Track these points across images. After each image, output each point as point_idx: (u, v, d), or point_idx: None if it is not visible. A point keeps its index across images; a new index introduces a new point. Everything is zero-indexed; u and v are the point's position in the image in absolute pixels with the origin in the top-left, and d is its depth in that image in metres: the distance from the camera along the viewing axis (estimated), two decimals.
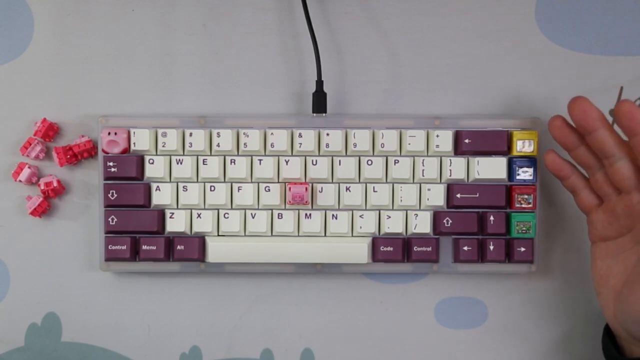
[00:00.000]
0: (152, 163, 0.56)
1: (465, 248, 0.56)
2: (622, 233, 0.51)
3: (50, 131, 0.58)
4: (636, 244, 0.50)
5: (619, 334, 0.51)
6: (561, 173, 0.53)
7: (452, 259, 0.57)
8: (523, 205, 0.56)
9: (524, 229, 0.56)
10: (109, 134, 0.56)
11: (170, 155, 0.56)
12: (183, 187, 0.56)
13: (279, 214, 0.56)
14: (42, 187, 0.57)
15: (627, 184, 0.49)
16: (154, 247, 0.56)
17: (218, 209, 0.56)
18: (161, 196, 0.56)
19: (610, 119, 0.59)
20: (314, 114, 0.57)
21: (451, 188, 0.56)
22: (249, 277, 0.59)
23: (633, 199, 0.49)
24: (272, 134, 0.56)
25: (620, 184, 0.49)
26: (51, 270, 0.59)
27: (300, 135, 0.56)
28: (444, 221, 0.56)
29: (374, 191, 0.56)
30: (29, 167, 0.58)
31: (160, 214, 0.56)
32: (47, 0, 0.59)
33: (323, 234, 0.56)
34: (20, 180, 0.58)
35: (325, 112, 0.57)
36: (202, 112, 0.59)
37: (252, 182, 0.56)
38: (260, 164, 0.56)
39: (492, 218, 0.56)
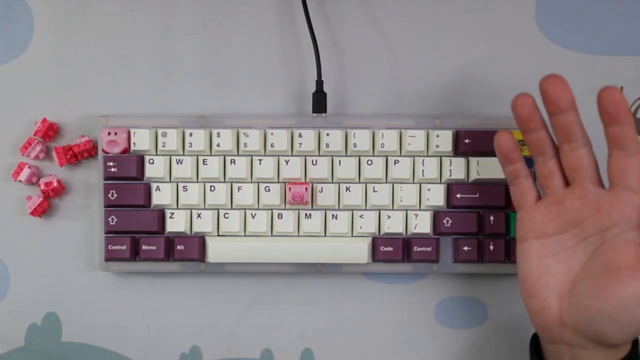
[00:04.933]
0: (152, 163, 0.56)
1: (465, 248, 0.56)
2: (563, 229, 0.47)
3: (50, 131, 0.58)
4: (581, 241, 0.47)
5: (560, 338, 0.47)
6: (512, 155, 0.49)
7: (452, 259, 0.57)
8: None
9: None
10: (109, 134, 0.56)
11: (170, 155, 0.56)
12: (183, 187, 0.56)
13: (279, 214, 0.56)
14: (42, 187, 0.57)
15: (583, 174, 0.46)
16: (154, 247, 0.56)
17: (218, 209, 0.56)
18: (161, 196, 0.56)
19: None
20: (314, 114, 0.57)
21: (451, 188, 0.56)
22: (249, 277, 0.59)
23: (589, 190, 0.46)
24: (272, 134, 0.56)
25: (577, 173, 0.46)
26: (51, 270, 0.59)
27: (300, 135, 0.56)
28: (444, 221, 0.56)
29: (374, 191, 0.56)
30: (29, 167, 0.58)
31: (160, 214, 0.56)
32: (47, 0, 0.59)
33: (323, 234, 0.56)
34: (20, 180, 0.58)
35: (325, 112, 0.57)
36: (202, 112, 0.59)
37: (252, 182, 0.56)
38: (260, 164, 0.56)
39: (491, 218, 0.56)
